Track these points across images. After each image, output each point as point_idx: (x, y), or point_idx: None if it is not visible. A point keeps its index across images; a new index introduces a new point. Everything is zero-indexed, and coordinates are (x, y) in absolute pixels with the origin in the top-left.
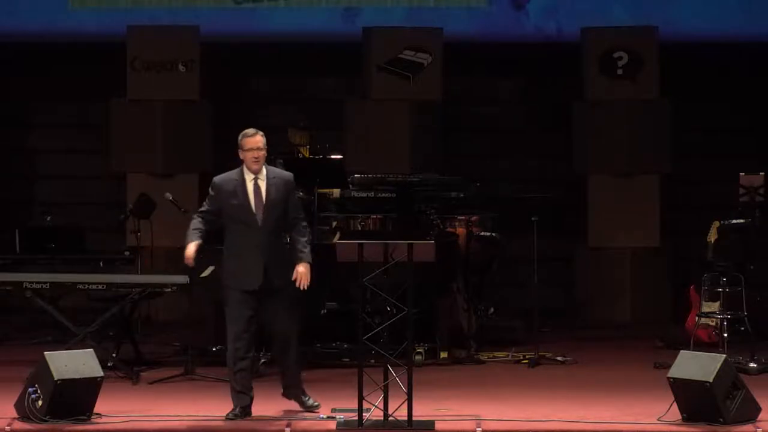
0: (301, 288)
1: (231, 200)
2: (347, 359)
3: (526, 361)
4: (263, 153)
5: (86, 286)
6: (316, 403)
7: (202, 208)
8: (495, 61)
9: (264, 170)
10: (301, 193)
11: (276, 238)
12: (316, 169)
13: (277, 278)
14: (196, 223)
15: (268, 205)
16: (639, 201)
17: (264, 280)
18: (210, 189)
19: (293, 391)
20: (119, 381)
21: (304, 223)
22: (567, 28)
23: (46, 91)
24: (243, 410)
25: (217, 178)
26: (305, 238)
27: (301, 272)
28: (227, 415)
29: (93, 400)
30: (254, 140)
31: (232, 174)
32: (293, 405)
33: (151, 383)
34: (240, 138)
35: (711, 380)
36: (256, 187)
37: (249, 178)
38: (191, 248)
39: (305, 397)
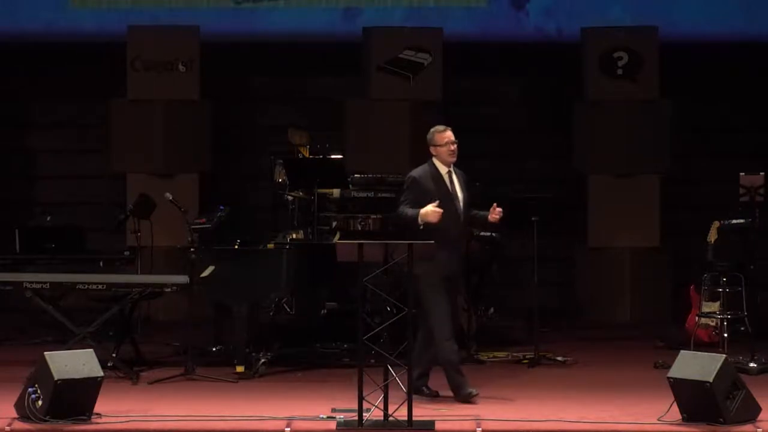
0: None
1: (432, 192)
2: (347, 359)
3: (526, 361)
4: (456, 146)
5: (86, 286)
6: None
7: (404, 200)
8: (495, 61)
9: (452, 165)
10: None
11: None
12: (316, 169)
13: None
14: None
15: (464, 197)
16: (639, 201)
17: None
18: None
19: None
20: (119, 381)
21: None
22: (567, 28)
23: (46, 91)
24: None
25: (413, 173)
26: None
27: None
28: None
29: (93, 400)
30: (448, 134)
31: (424, 168)
32: (293, 405)
33: (151, 383)
34: (431, 135)
35: (711, 380)
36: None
37: (444, 171)
38: (429, 208)
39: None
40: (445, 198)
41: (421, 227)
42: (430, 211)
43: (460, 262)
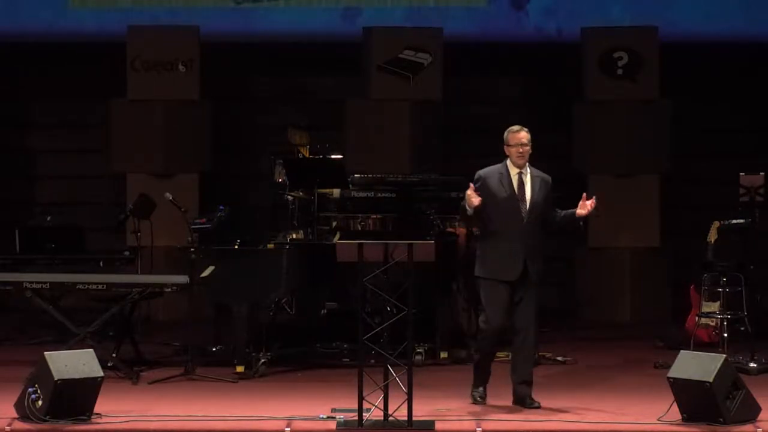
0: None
1: (495, 191)
2: (347, 359)
3: None
4: (528, 149)
5: (86, 286)
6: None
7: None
8: (495, 61)
9: (527, 167)
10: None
11: (536, 231)
12: (316, 169)
13: (534, 272)
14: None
15: (535, 200)
16: (639, 201)
17: (522, 272)
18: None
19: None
20: (119, 381)
21: None
22: (567, 28)
23: (46, 91)
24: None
25: (481, 171)
26: None
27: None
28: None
29: (93, 400)
30: (519, 136)
31: (496, 167)
32: (293, 405)
33: (151, 383)
34: (506, 134)
35: (711, 380)
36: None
37: (514, 172)
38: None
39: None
40: (507, 198)
41: (469, 213)
42: (468, 194)
43: (526, 263)
